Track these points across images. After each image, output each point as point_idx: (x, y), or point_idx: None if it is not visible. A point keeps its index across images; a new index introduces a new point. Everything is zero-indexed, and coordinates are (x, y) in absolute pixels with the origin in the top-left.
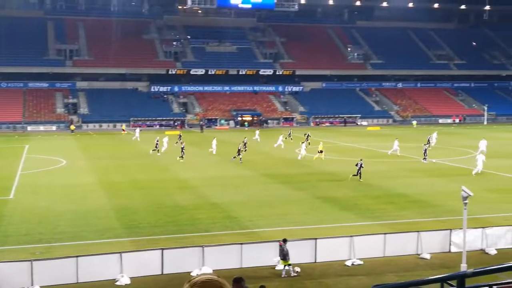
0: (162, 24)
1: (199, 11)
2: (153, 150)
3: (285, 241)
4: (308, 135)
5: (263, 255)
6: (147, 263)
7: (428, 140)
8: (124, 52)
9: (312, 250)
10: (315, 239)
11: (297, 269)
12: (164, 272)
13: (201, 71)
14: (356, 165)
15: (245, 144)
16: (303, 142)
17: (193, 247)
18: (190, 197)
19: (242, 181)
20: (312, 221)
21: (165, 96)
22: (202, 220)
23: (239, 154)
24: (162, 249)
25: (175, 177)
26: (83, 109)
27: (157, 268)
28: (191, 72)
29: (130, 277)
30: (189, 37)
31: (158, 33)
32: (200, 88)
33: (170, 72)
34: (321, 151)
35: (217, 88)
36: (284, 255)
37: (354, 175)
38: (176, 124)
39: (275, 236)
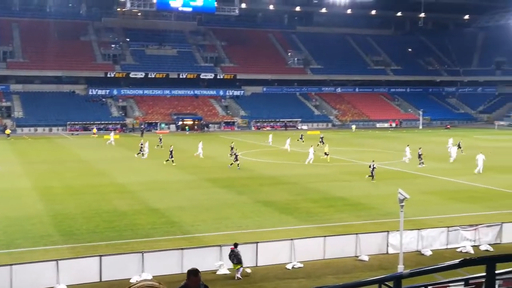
0: (100, 26)
1: (139, 14)
2: (137, 153)
3: (236, 245)
4: (321, 137)
5: (204, 260)
6: (84, 270)
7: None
8: (60, 54)
9: (253, 254)
10: (256, 243)
11: (248, 270)
12: (103, 279)
13: (140, 75)
14: (370, 167)
15: (232, 149)
16: (312, 146)
17: (133, 253)
18: (129, 202)
19: (182, 185)
20: (253, 225)
21: (103, 99)
22: (142, 225)
23: (236, 160)
24: (101, 255)
25: (113, 182)
26: (18, 113)
27: (95, 275)
28: (131, 75)
29: (67, 285)
30: (128, 39)
31: (96, 35)
32: (140, 92)
33: (108, 75)
34: (327, 154)
35: (157, 91)
36: (239, 259)
37: (369, 176)
38: (115, 128)
39: (216, 241)
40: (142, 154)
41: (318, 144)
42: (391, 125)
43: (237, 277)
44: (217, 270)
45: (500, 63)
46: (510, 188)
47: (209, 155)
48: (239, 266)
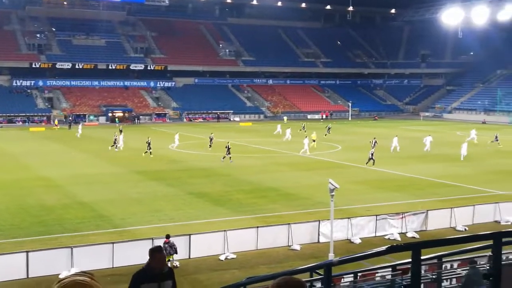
0: (24, 15)
1: (65, 3)
2: (111, 146)
3: (168, 236)
4: (328, 127)
5: (135, 254)
6: (10, 267)
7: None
8: None
9: (186, 246)
10: (189, 235)
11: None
12: (30, 276)
13: (67, 65)
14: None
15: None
16: (306, 137)
17: (61, 248)
18: (57, 196)
19: (111, 178)
20: (185, 217)
21: (28, 90)
22: (71, 220)
23: (228, 153)
24: (27, 251)
25: (39, 176)
26: None
27: (22, 272)
28: (57, 66)
29: None
30: (54, 29)
31: (20, 24)
32: (67, 83)
33: (34, 66)
34: (314, 140)
35: (86, 82)
36: (175, 249)
37: (370, 159)
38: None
39: (147, 234)
40: (116, 146)
41: (325, 134)
42: (322, 116)
43: (176, 265)
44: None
45: (425, 56)
46: (433, 177)
47: (139, 148)
48: (171, 257)
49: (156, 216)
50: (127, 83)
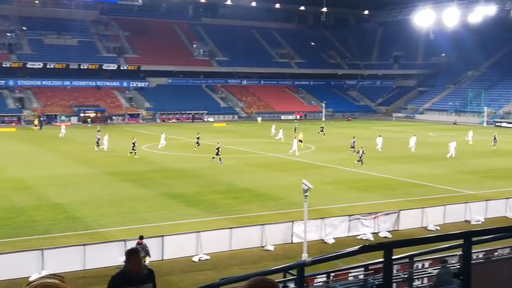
0: None
1: (36, 1)
2: (97, 146)
3: (141, 238)
4: (321, 126)
5: (107, 255)
6: None
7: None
8: None
9: (159, 248)
10: (162, 236)
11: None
12: (0, 279)
13: (38, 65)
14: (358, 152)
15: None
16: (296, 137)
17: (32, 250)
18: (27, 198)
19: (84, 179)
20: (158, 219)
21: None
22: (42, 221)
23: (218, 154)
24: None
25: (10, 177)
26: None
27: None
28: (28, 65)
29: None
30: (25, 28)
31: None
32: (38, 83)
33: (4, 65)
34: (301, 141)
35: (57, 82)
36: (147, 251)
37: (358, 161)
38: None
39: (120, 236)
40: (98, 145)
41: (318, 132)
42: (296, 117)
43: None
44: (122, 265)
45: (398, 58)
46: (405, 177)
47: (112, 148)
48: (144, 259)
49: (129, 217)
50: (99, 83)
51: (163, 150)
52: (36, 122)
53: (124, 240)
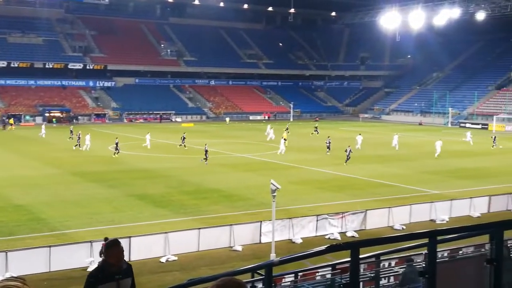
0: None
1: None
2: (75, 145)
3: (106, 239)
4: (315, 126)
5: (73, 257)
6: None
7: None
8: None
9: (126, 249)
10: (129, 237)
11: None
12: None
13: (2, 64)
14: (345, 151)
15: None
16: (282, 137)
17: None
18: None
19: (48, 180)
20: (126, 219)
21: None
22: (5, 223)
23: (206, 155)
24: None
25: None
26: None
27: None
28: None
29: None
30: None
31: None
32: (2, 82)
33: None
34: (285, 139)
35: (21, 82)
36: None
37: (347, 160)
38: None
39: (86, 237)
40: (79, 145)
41: (312, 133)
42: (265, 117)
43: None
44: (88, 267)
45: (364, 59)
46: (372, 177)
47: (77, 149)
48: None
49: (95, 218)
50: (65, 82)
51: (130, 150)
52: (11, 121)
53: (91, 242)
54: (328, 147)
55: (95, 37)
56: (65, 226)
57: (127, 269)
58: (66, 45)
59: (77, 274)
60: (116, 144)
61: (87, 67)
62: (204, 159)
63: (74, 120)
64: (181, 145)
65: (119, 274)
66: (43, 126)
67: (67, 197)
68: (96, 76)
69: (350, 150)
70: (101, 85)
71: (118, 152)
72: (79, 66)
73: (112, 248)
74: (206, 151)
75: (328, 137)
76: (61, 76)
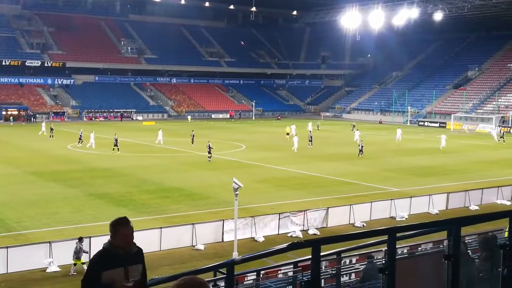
0: None
1: None
2: (79, 142)
3: (81, 239)
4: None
5: (32, 258)
6: None
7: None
8: None
9: (86, 249)
10: (89, 237)
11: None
12: None
13: None
14: (359, 145)
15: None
16: (296, 135)
17: None
18: None
19: (5, 180)
20: (85, 219)
21: None
22: None
23: (209, 152)
24: None
25: None
26: None
27: None
28: None
29: None
30: None
31: None
32: None
33: None
34: (288, 134)
35: None
36: (77, 254)
37: (360, 154)
38: None
39: (44, 237)
40: (81, 141)
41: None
42: (231, 116)
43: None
44: (47, 268)
45: (325, 58)
46: (333, 175)
47: (35, 148)
48: (79, 262)
49: (54, 218)
50: (22, 80)
51: (89, 149)
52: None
53: (49, 242)
54: (310, 141)
55: (53, 33)
56: (22, 226)
57: (137, 253)
58: (23, 42)
59: (36, 276)
60: (116, 140)
61: (45, 64)
62: (209, 157)
63: (33, 119)
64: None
65: (127, 259)
66: (43, 124)
67: (25, 197)
68: (55, 73)
69: (362, 144)
70: (60, 82)
71: (118, 147)
72: (36, 63)
73: (119, 228)
74: (210, 147)
75: (310, 131)
76: (18, 73)
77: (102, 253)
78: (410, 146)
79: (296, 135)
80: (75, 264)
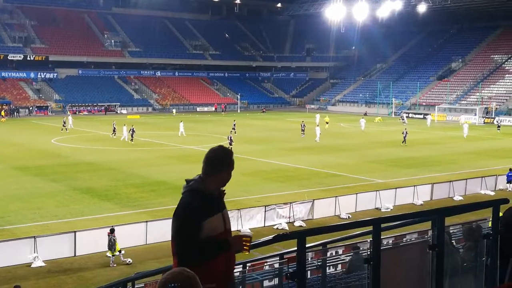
0: None
1: None
2: (113, 134)
3: (112, 231)
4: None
5: (17, 253)
6: None
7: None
8: None
9: (71, 244)
10: (74, 232)
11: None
12: None
13: None
14: (402, 133)
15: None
16: (317, 125)
17: None
18: None
19: None
20: (70, 214)
21: None
22: None
23: (230, 144)
24: None
25: None
26: None
27: None
28: None
29: None
30: None
31: None
32: None
33: None
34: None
35: None
36: (111, 245)
37: (403, 141)
38: None
39: (29, 232)
40: (114, 134)
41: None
42: (222, 108)
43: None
44: (32, 263)
45: (310, 50)
46: (318, 167)
47: (18, 142)
48: (113, 253)
49: (39, 213)
50: (4, 74)
51: (73, 143)
52: (3, 113)
53: (34, 237)
54: (303, 130)
55: (36, 27)
56: (7, 221)
57: (222, 196)
58: (5, 35)
59: (21, 271)
60: (133, 130)
61: (28, 58)
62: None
63: (16, 113)
64: (233, 132)
65: (220, 201)
66: (70, 117)
67: (9, 192)
68: (37, 67)
69: (406, 132)
70: (43, 76)
71: (132, 139)
72: (19, 57)
73: (232, 161)
74: (231, 139)
75: (303, 121)
76: (1, 67)
77: (200, 196)
78: (394, 137)
79: (318, 125)
80: (112, 255)
